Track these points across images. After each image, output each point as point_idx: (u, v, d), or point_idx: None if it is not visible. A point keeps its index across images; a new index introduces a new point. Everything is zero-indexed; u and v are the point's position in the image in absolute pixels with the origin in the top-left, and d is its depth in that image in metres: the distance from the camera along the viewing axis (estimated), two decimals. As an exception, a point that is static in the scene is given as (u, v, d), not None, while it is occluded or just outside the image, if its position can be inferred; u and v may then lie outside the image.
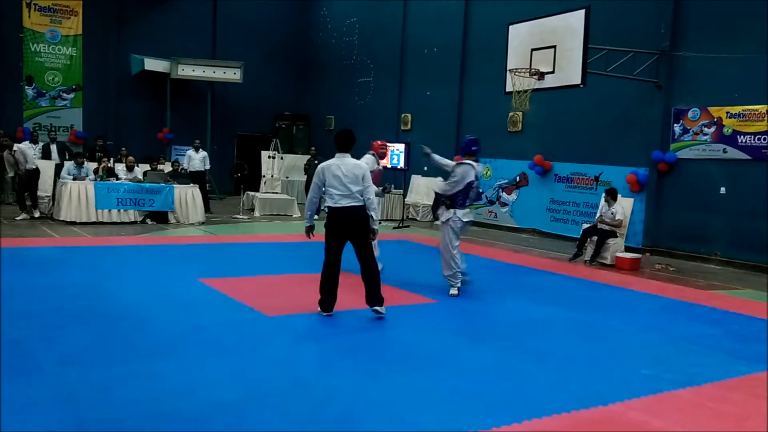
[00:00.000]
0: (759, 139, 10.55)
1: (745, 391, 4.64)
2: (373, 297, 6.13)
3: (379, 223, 6.37)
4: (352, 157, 6.22)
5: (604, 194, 11.06)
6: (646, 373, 4.92)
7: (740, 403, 4.40)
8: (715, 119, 11.14)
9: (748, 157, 10.72)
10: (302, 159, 18.42)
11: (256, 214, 15.17)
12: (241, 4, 20.97)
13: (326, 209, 6.27)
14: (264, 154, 17.01)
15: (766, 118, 10.45)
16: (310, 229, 6.40)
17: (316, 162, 15.36)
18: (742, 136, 10.78)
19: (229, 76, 19.37)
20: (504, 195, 15.23)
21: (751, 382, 4.86)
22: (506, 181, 15.14)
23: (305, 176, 15.54)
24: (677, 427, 3.93)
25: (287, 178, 17.70)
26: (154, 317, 5.81)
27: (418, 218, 16.46)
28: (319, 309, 6.18)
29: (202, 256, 9.40)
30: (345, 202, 5.98)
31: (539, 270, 9.83)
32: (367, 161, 7.73)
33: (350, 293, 6.71)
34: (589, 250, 10.70)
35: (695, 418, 4.09)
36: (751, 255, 10.66)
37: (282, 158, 17.97)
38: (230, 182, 18.87)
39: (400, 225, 14.60)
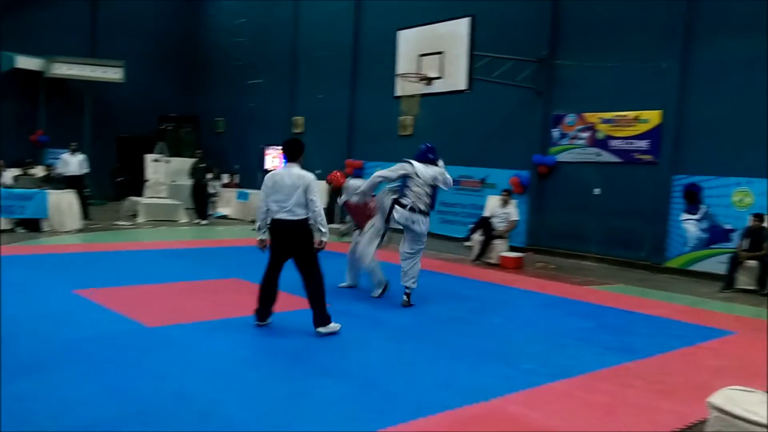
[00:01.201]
0: (629, 143, 11.29)
1: (614, 380, 4.93)
2: (315, 317, 5.78)
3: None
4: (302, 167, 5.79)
5: (502, 194, 11.44)
6: (525, 367, 5.13)
7: (610, 392, 4.67)
8: (590, 124, 11.83)
9: (620, 160, 11.46)
10: (189, 162, 17.84)
11: (140, 220, 14.53)
12: (123, 1, 20.06)
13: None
14: (148, 157, 16.35)
15: (635, 124, 11.20)
16: (260, 243, 5.90)
17: (201, 166, 14.96)
18: (614, 141, 11.51)
19: (110, 76, 18.48)
20: (395, 198, 15.39)
21: (620, 371, 5.18)
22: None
23: (191, 180, 15.02)
24: (552, 418, 4.12)
25: (173, 182, 17.08)
26: (23, 334, 5.40)
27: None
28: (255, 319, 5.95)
29: (79, 266, 8.88)
30: (284, 215, 5.64)
31: (429, 271, 9.97)
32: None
33: (245, 299, 6.54)
34: (476, 250, 11.06)
35: (569, 408, 4.31)
36: (623, 252, 11.40)
37: (168, 161, 17.36)
38: (111, 187, 17.98)
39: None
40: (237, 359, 5.02)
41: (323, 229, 5.67)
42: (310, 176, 5.68)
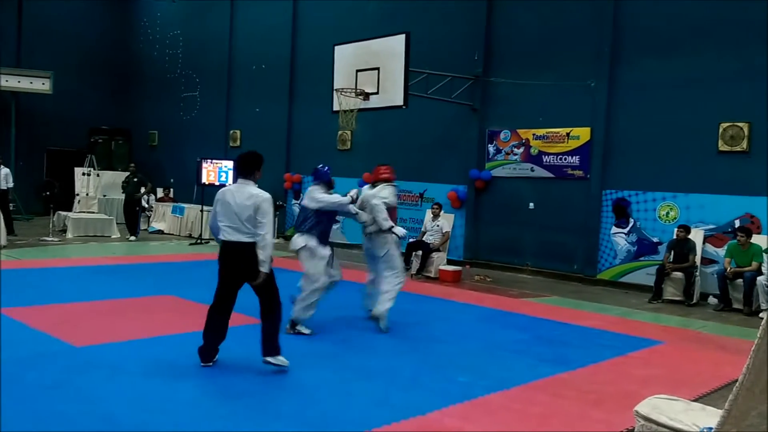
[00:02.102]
0: (561, 159, 11.62)
1: (548, 391, 5.03)
2: (265, 345, 5.18)
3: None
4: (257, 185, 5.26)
5: (432, 207, 11.63)
6: (462, 380, 5.18)
7: (544, 403, 4.76)
8: (524, 140, 12.13)
9: (552, 176, 11.77)
10: (122, 176, 17.31)
11: (69, 235, 14.02)
12: (51, 9, 19.43)
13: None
14: (78, 170, 15.81)
15: (566, 140, 11.54)
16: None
17: (135, 180, 14.56)
18: (546, 156, 11.82)
19: (37, 87, 17.86)
20: (334, 212, 15.38)
21: (554, 382, 5.29)
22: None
23: (123, 194, 14.60)
24: (488, 430, 4.16)
25: (105, 196, 16.56)
26: (-63, 356, 5.11)
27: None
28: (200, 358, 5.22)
29: (3, 284, 8.45)
30: (233, 237, 5.09)
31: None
32: (386, 195, 6.95)
33: (179, 317, 6.37)
34: (415, 264, 11.13)
35: (504, 420, 4.36)
36: (557, 264, 11.69)
37: (99, 175, 16.84)
38: (38, 201, 17.29)
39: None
40: (169, 379, 4.88)
41: (263, 258, 5.04)
42: (263, 195, 5.12)
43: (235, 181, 5.51)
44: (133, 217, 14.49)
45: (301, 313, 6.50)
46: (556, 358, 6.04)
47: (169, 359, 5.38)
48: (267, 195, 5.15)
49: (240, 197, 5.08)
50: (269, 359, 5.16)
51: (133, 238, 14.26)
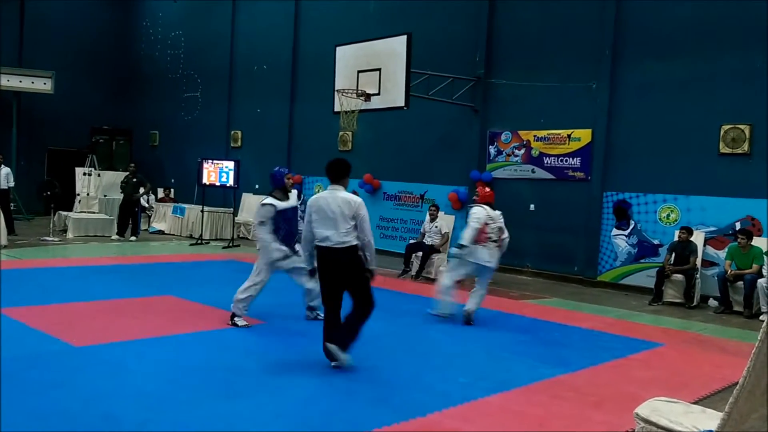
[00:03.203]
0: (562, 160, 11.62)
1: (548, 393, 5.03)
2: (340, 337, 5.28)
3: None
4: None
5: (429, 210, 11.65)
6: (462, 381, 5.18)
7: (544, 404, 4.76)
8: (525, 142, 12.12)
9: (553, 177, 11.77)
10: (122, 176, 17.37)
11: (69, 235, 14.02)
12: (53, 8, 19.46)
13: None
14: (79, 170, 15.82)
15: (567, 142, 11.54)
16: (311, 273, 5.61)
17: (134, 180, 14.57)
18: (547, 158, 11.82)
19: (39, 87, 17.87)
20: (335, 213, 15.39)
21: (554, 384, 5.28)
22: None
23: (122, 194, 14.61)
24: (488, 431, 4.16)
25: (105, 196, 16.56)
26: (-62, 355, 5.11)
27: (249, 237, 16.13)
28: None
29: (3, 284, 8.46)
30: (332, 242, 5.21)
31: (368, 286, 10.02)
32: (478, 216, 7.39)
33: (179, 317, 6.37)
34: (415, 266, 11.13)
35: (504, 421, 4.36)
36: (557, 266, 11.69)
37: (99, 175, 16.85)
38: (39, 201, 17.29)
39: (230, 244, 14.22)
40: (168, 379, 4.88)
41: (369, 258, 5.29)
42: (358, 200, 5.29)
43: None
44: (129, 217, 14.49)
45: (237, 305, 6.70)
46: (556, 360, 6.04)
47: (169, 359, 5.39)
48: (360, 199, 5.36)
49: (334, 203, 5.23)
50: (337, 353, 5.20)
51: (128, 238, 14.24)
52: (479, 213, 7.47)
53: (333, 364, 5.28)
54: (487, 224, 7.46)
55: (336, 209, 5.21)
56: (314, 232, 5.32)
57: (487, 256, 7.48)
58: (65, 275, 9.46)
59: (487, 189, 7.97)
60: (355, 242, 5.23)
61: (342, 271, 5.26)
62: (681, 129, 10.28)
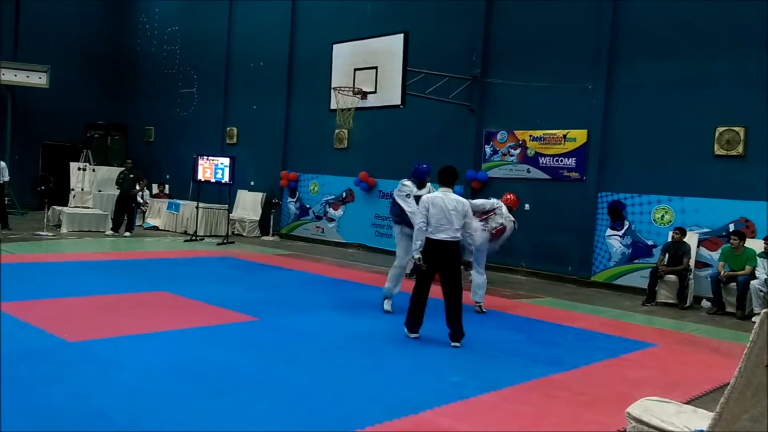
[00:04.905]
0: (557, 160, 11.64)
1: (541, 392, 5.04)
2: (453, 332, 6.28)
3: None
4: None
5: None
6: (455, 380, 5.18)
7: (537, 404, 4.76)
8: (520, 142, 12.14)
9: (548, 177, 11.79)
10: (117, 172, 17.33)
11: (64, 230, 13.98)
12: (49, 3, 19.36)
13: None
14: (73, 165, 15.77)
15: (563, 142, 11.56)
16: (420, 260, 6.41)
17: (131, 176, 14.53)
18: (543, 158, 11.83)
19: (34, 81, 17.79)
20: (331, 210, 15.40)
21: (547, 383, 5.29)
22: (333, 196, 15.34)
23: (118, 190, 14.57)
24: (480, 429, 4.16)
25: (100, 191, 16.52)
26: (-71, 349, 5.08)
27: (244, 234, 16.13)
28: (405, 330, 6.51)
29: (-4, 278, 8.44)
30: (443, 235, 6.25)
31: (362, 284, 10.04)
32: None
33: (173, 313, 6.36)
34: (410, 265, 11.10)
35: (496, 420, 4.37)
36: (551, 266, 11.71)
37: (94, 170, 16.81)
38: (33, 196, 17.23)
39: (225, 241, 14.20)
40: (161, 375, 4.86)
41: (471, 248, 6.77)
42: (466, 202, 6.52)
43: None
44: (125, 212, 14.46)
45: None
46: (550, 359, 6.05)
47: (162, 355, 5.37)
48: (467, 201, 6.62)
49: (450, 203, 6.30)
50: (455, 343, 6.25)
51: (110, 232, 14.20)
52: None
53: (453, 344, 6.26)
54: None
55: (453, 208, 6.28)
56: (430, 227, 6.29)
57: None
58: (59, 270, 9.43)
59: (511, 196, 8.79)
60: (460, 237, 6.35)
61: (446, 259, 6.30)
62: (676, 130, 10.31)
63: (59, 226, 14.33)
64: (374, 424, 4.08)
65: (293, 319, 7.09)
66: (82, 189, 16.58)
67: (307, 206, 15.96)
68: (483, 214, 8.24)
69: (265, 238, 15.93)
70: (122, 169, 15.06)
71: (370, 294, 9.10)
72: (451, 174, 6.52)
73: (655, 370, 6.00)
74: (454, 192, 6.50)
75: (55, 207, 15.03)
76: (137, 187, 14.75)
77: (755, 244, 9.23)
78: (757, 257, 9.03)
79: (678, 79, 10.30)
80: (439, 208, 6.27)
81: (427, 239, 6.30)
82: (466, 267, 7.48)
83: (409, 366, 5.54)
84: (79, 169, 16.68)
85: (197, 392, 4.54)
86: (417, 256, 6.40)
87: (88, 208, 15.73)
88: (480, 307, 8.23)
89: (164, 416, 4.03)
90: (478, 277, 8.23)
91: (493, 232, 8.23)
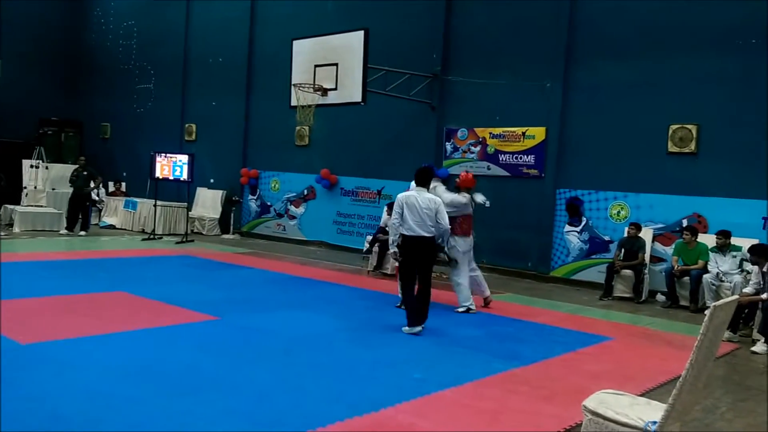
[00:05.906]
0: (516, 157, 11.78)
1: (501, 387, 5.11)
2: (418, 317, 6.70)
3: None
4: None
5: (387, 206, 11.63)
6: (416, 376, 5.21)
7: (497, 398, 4.83)
8: (480, 139, 12.25)
9: (508, 174, 11.93)
10: (72, 169, 16.92)
11: (16, 229, 13.61)
12: (-1, -5, 18.78)
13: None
14: (26, 163, 15.35)
15: (522, 140, 11.70)
16: (394, 255, 6.98)
17: (84, 173, 14.22)
18: (502, 155, 11.97)
19: (-17, 75, 17.22)
20: (292, 208, 15.32)
21: (507, 378, 5.37)
22: (294, 194, 15.25)
23: (71, 188, 14.24)
24: (441, 425, 4.20)
25: (54, 189, 16.11)
26: None
27: (204, 232, 15.92)
28: (407, 327, 6.71)
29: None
30: (418, 232, 6.67)
31: (324, 282, 10.01)
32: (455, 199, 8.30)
33: (131, 313, 6.24)
34: (372, 261, 11.15)
35: (457, 415, 4.41)
36: (512, 262, 11.86)
37: (47, 168, 16.39)
38: (-16, 194, 16.73)
39: (184, 239, 14.00)
40: (119, 376, 4.78)
41: (445, 242, 7.40)
42: (438, 200, 6.87)
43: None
44: (79, 211, 14.14)
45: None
46: (509, 354, 6.14)
47: (120, 357, 5.28)
48: (440, 199, 6.94)
49: (423, 202, 6.70)
50: (416, 329, 6.66)
51: (65, 231, 13.90)
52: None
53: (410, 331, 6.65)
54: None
55: (426, 206, 6.66)
56: (404, 225, 6.68)
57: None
58: (11, 270, 9.16)
59: (468, 174, 8.91)
60: (434, 233, 6.77)
61: (422, 255, 6.73)
62: (631, 128, 10.53)
63: (11, 225, 13.96)
64: (335, 422, 4.08)
65: (255, 318, 7.04)
66: (35, 187, 16.15)
67: (268, 204, 15.83)
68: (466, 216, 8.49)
69: (225, 236, 15.76)
70: (76, 166, 14.71)
71: (331, 291, 9.09)
72: (426, 174, 6.96)
73: (612, 364, 6.13)
74: (428, 191, 6.96)
75: (6, 206, 14.64)
76: (91, 185, 14.43)
77: (707, 239, 9.50)
78: (710, 252, 9.29)
79: (633, 78, 10.52)
80: (413, 206, 6.67)
81: (403, 236, 6.70)
82: (452, 264, 8.14)
83: (371, 363, 5.56)
84: (31, 166, 16.25)
85: (157, 393, 4.48)
86: (393, 250, 6.90)
87: (41, 206, 15.33)
88: (486, 299, 8.65)
89: (123, 417, 3.97)
90: (475, 274, 8.67)
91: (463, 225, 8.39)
